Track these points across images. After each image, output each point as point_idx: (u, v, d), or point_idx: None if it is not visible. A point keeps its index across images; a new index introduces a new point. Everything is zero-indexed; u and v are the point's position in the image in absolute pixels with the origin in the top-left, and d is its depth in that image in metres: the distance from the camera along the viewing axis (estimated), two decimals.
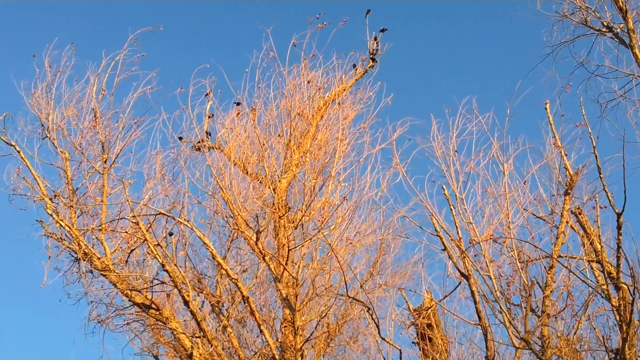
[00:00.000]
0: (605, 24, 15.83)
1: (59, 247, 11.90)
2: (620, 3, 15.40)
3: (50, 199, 12.11)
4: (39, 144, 12.72)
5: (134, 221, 11.35)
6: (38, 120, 12.86)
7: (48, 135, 12.73)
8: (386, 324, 11.35)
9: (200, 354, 11.02)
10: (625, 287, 9.16)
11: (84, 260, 11.57)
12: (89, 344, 11.92)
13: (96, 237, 11.90)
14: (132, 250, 11.79)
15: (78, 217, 12.13)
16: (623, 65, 15.52)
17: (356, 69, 14.73)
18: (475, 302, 9.83)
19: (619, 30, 15.58)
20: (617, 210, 9.01)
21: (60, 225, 11.79)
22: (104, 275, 11.55)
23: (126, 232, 11.85)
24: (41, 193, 12.11)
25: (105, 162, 12.52)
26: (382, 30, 15.23)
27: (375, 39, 15.12)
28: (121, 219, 12.00)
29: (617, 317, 8.97)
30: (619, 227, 8.91)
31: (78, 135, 12.80)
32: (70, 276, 11.95)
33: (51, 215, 11.88)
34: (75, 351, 13.22)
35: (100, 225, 11.86)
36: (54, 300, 12.16)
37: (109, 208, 12.26)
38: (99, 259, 11.56)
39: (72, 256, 11.85)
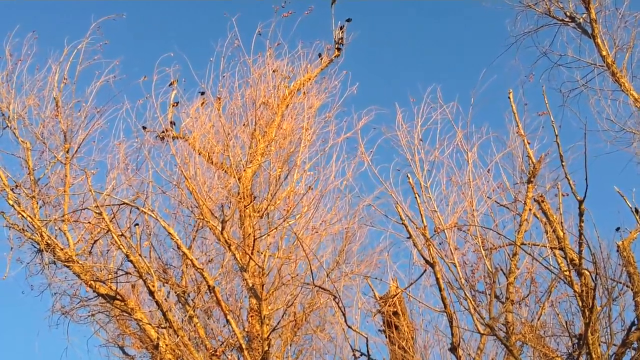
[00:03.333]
0: (568, 14, 15.99)
1: (21, 238, 11.73)
2: None
3: (12, 190, 11.92)
4: (0, 133, 12.54)
5: (97, 211, 11.23)
6: None
7: (9, 124, 12.54)
8: (352, 312, 11.40)
9: (167, 345, 10.95)
10: (587, 273, 9.29)
11: (47, 252, 11.42)
12: (53, 336, 11.85)
13: (59, 228, 11.75)
14: (95, 241, 11.65)
15: (40, 207, 11.96)
16: (585, 55, 15.74)
17: (321, 58, 14.72)
18: (440, 290, 9.88)
19: (581, 20, 15.76)
20: (578, 198, 9.12)
21: (22, 216, 11.62)
22: (68, 267, 11.41)
23: (89, 222, 11.72)
24: (2, 183, 11.92)
25: (67, 151, 12.36)
26: (348, 20, 15.27)
27: (341, 28, 15.14)
28: (84, 209, 11.86)
29: (580, 303, 9.09)
30: (580, 214, 9.01)
31: (40, 124, 12.63)
32: (33, 267, 11.82)
33: (12, 206, 11.69)
34: (40, 343, 13.02)
35: (62, 216, 11.71)
36: (17, 292, 11.98)
37: (72, 198, 12.11)
38: (62, 249, 11.42)
39: (35, 247, 11.68)
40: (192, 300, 11.69)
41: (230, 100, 13.61)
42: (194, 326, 11.13)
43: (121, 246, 10.87)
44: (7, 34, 13.17)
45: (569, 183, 9.59)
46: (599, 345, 9.22)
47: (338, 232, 12.36)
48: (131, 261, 10.90)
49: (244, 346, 10.69)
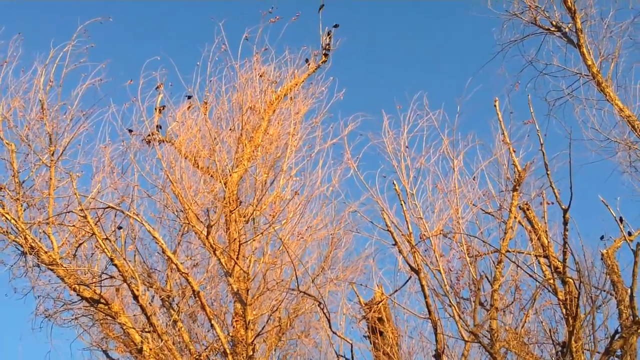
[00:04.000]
0: (554, 23, 16.10)
1: (4, 240, 11.67)
2: (569, 3, 15.69)
3: None
4: None
5: (81, 215, 11.17)
6: None
7: None
8: (337, 318, 11.42)
9: (151, 349, 10.91)
10: (571, 281, 9.34)
11: (31, 254, 11.35)
12: (36, 339, 11.74)
13: (43, 231, 11.69)
14: (80, 244, 11.61)
15: (24, 210, 11.91)
16: (571, 64, 15.86)
17: (309, 64, 14.73)
18: (425, 296, 9.91)
19: (567, 29, 15.87)
20: (563, 206, 9.19)
21: (6, 218, 11.55)
22: (52, 270, 11.35)
23: (74, 225, 11.66)
24: None
25: (52, 154, 12.30)
26: (335, 26, 15.24)
27: (329, 34, 15.12)
28: (69, 212, 11.79)
29: (564, 311, 9.14)
30: (565, 223, 9.08)
31: (25, 127, 12.57)
32: (16, 270, 11.76)
33: None
34: (23, 346, 12.94)
35: (47, 219, 11.65)
36: (0, 294, 11.89)
37: (57, 201, 12.06)
38: (46, 252, 11.35)
39: (19, 250, 11.62)
40: (176, 304, 11.65)
41: (216, 105, 13.59)
42: (178, 330, 11.10)
43: (105, 250, 10.83)
44: None
45: (554, 191, 9.68)
46: (583, 352, 9.27)
47: (324, 237, 12.36)
48: (115, 265, 10.85)
49: (228, 351, 10.67)
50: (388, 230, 10.48)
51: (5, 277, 11.73)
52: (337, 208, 12.47)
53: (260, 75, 13.97)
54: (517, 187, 11.09)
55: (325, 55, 14.99)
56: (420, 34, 36.71)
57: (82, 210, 11.09)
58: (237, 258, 11.15)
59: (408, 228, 10.55)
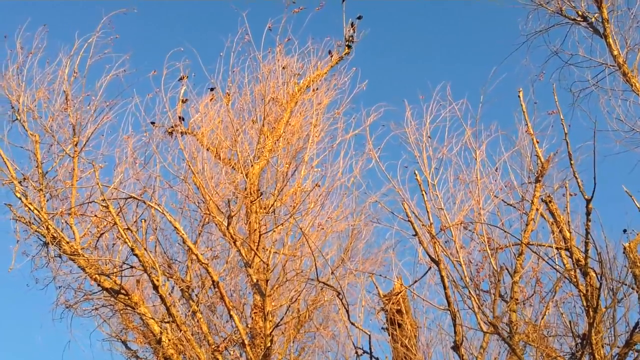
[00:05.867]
0: (580, 13, 15.85)
1: (27, 231, 11.75)
2: None
3: (20, 182, 11.94)
4: (9, 126, 12.61)
5: (103, 205, 11.22)
6: (8, 102, 12.74)
7: (18, 117, 12.58)
8: (356, 309, 11.38)
9: (169, 340, 10.95)
10: (593, 273, 9.19)
11: (53, 245, 11.43)
12: (56, 329, 11.82)
13: (65, 221, 11.76)
14: (101, 235, 11.66)
15: (47, 200, 11.99)
16: (597, 55, 15.61)
17: (332, 55, 14.65)
18: (444, 288, 9.83)
19: (593, 19, 15.61)
20: (586, 197, 9.01)
21: (29, 208, 11.63)
22: (73, 260, 11.42)
23: (96, 216, 11.72)
24: (10, 176, 11.95)
25: (76, 145, 12.38)
26: (359, 18, 15.13)
27: (352, 25, 15.03)
28: (91, 202, 11.87)
29: (584, 303, 8.98)
30: (587, 213, 8.91)
31: (49, 117, 12.66)
32: (38, 260, 11.83)
33: (20, 198, 11.71)
34: (43, 336, 13.07)
35: (69, 209, 11.73)
36: (22, 284, 12.01)
37: (79, 192, 12.13)
38: (67, 243, 11.43)
39: (41, 240, 11.71)
40: (196, 295, 11.67)
41: (239, 96, 13.60)
42: (197, 321, 11.11)
43: (127, 240, 10.86)
44: (18, 28, 13.23)
45: (577, 182, 9.49)
46: (602, 346, 9.13)
47: (344, 229, 12.32)
48: (136, 255, 10.87)
49: (246, 342, 10.66)
50: (409, 220, 10.40)
51: (27, 268, 11.83)
52: (358, 199, 12.45)
53: (283, 67, 13.94)
54: (539, 179, 10.96)
55: (349, 47, 14.90)
56: (444, 24, 36.41)
57: (104, 200, 11.14)
58: (257, 249, 11.14)
59: (429, 219, 10.48)
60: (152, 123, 13.03)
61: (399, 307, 11.37)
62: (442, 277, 9.93)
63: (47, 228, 11.52)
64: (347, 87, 13.83)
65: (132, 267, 11.34)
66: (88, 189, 12.25)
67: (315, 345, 11.88)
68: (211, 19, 33.93)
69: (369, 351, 10.06)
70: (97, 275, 11.28)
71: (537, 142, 11.35)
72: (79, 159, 12.35)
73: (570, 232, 10.34)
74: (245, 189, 12.14)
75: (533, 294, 10.11)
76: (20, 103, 12.66)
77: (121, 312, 11.87)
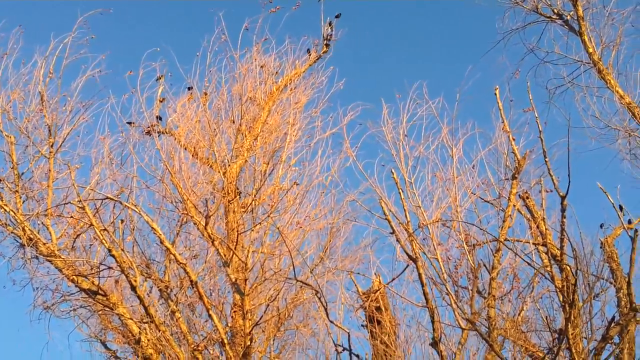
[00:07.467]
0: (555, 11, 15.97)
1: (3, 232, 11.70)
2: None
3: None
4: None
5: (80, 206, 11.17)
6: None
7: None
8: (336, 307, 11.41)
9: (149, 340, 10.90)
10: (569, 268, 9.26)
11: (29, 246, 11.35)
12: (34, 331, 11.73)
13: (42, 223, 11.70)
14: (78, 236, 11.61)
15: (23, 202, 11.93)
16: (572, 52, 15.73)
17: (310, 54, 14.65)
18: (422, 285, 9.87)
19: (569, 17, 15.73)
20: (561, 193, 9.10)
21: (5, 210, 11.57)
22: (50, 261, 11.35)
23: (72, 217, 11.65)
24: None
25: (51, 146, 12.31)
26: (337, 16, 15.15)
27: (330, 24, 15.03)
28: (67, 203, 11.80)
29: (561, 298, 9.06)
30: (562, 210, 9.00)
31: (24, 118, 12.59)
32: (15, 262, 11.77)
33: None
34: (21, 338, 12.97)
35: (45, 210, 11.65)
36: None
37: (55, 193, 12.05)
38: (44, 244, 11.36)
39: (17, 242, 11.64)
40: (174, 295, 11.63)
41: (216, 96, 13.55)
42: (176, 321, 11.07)
43: (104, 241, 10.82)
44: None
45: (552, 179, 9.58)
46: (580, 340, 9.21)
47: (323, 227, 12.32)
48: (113, 256, 10.83)
49: (226, 341, 10.65)
50: (386, 218, 10.44)
51: (3, 269, 11.76)
52: (336, 197, 12.47)
53: (261, 66, 13.91)
54: (516, 176, 11.02)
55: (327, 45, 14.91)
56: (421, 23, 36.55)
57: (80, 201, 11.09)
58: (236, 248, 11.13)
59: (406, 217, 10.51)
60: (129, 123, 13.00)
61: (378, 305, 11.39)
62: (419, 274, 9.97)
63: (24, 229, 11.45)
64: (324, 86, 13.86)
65: (109, 267, 11.29)
66: (64, 190, 12.20)
67: (296, 343, 11.87)
68: (188, 19, 33.85)
69: (348, 348, 10.08)
70: (74, 276, 11.21)
71: (514, 140, 11.42)
72: (55, 160, 12.30)
73: (546, 228, 10.42)
74: (223, 188, 12.11)
75: (511, 290, 10.16)
76: None
77: (100, 312, 11.80)
